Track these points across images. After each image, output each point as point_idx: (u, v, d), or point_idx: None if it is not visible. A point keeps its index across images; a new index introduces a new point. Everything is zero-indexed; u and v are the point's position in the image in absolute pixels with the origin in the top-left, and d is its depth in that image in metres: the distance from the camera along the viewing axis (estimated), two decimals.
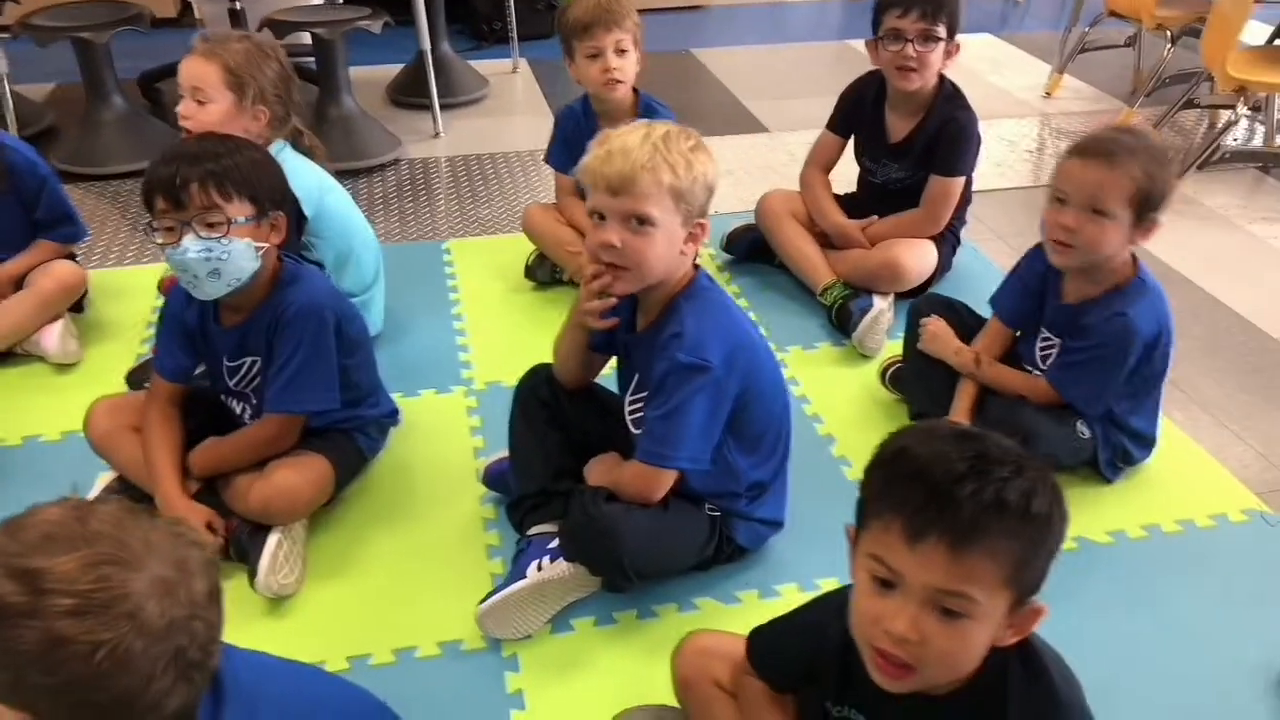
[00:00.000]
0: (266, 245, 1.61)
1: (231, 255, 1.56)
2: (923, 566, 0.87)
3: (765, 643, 1.18)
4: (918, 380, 2.01)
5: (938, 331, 1.94)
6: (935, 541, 0.86)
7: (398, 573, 1.67)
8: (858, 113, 2.48)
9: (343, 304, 1.77)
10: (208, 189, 1.53)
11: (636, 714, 1.35)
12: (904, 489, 0.88)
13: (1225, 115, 3.18)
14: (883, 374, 2.12)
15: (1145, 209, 1.67)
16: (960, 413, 1.88)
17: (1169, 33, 3.50)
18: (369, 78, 3.84)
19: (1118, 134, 1.70)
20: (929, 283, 2.41)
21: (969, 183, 2.44)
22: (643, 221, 1.41)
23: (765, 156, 3.35)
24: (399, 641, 1.53)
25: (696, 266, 1.53)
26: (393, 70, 3.82)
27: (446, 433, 1.99)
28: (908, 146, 2.40)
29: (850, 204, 2.54)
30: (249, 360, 1.71)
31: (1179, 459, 1.95)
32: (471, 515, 1.78)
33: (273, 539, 1.58)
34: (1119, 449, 1.86)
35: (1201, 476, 1.91)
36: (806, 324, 2.38)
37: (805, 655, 1.11)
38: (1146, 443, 1.89)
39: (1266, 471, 1.93)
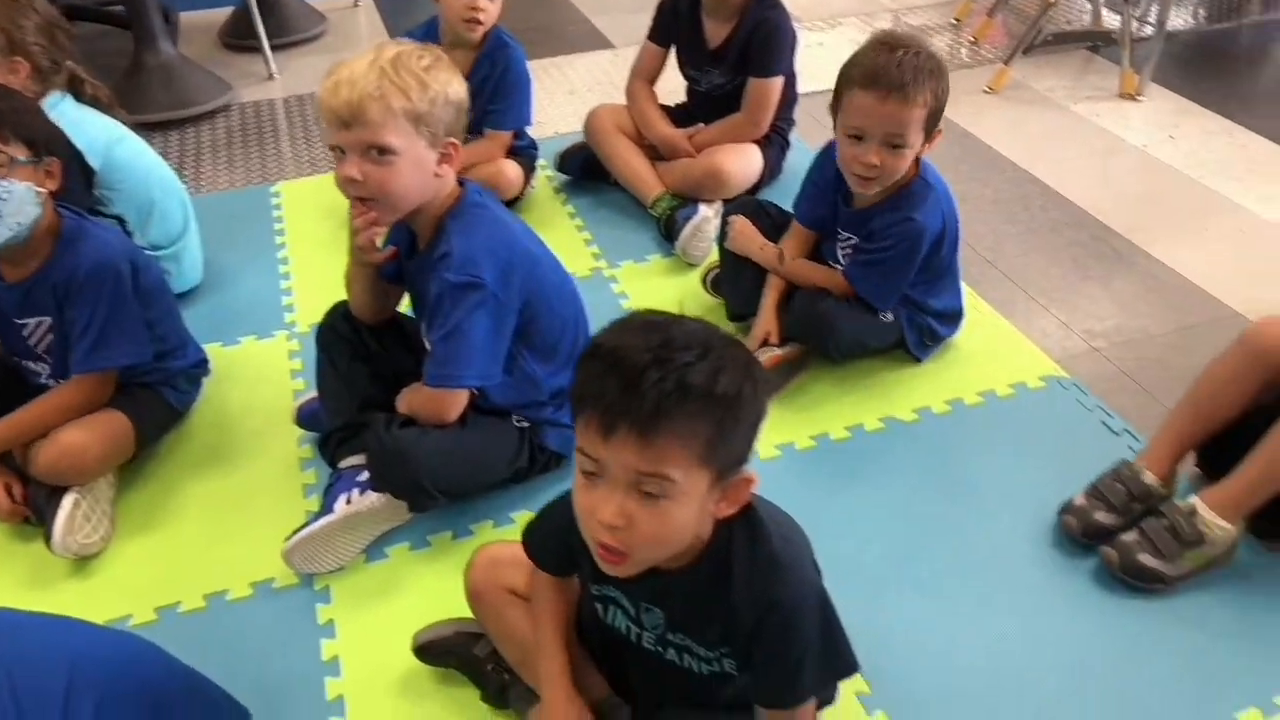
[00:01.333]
0: (45, 192, 1.56)
1: (13, 196, 1.50)
2: (618, 455, 0.89)
3: (534, 534, 1.21)
4: (731, 281, 2.04)
5: (742, 229, 1.97)
6: (625, 432, 0.88)
7: (211, 520, 1.65)
8: (675, 22, 2.46)
9: (136, 254, 1.71)
10: None
11: (436, 628, 1.37)
12: (597, 384, 0.90)
13: None
14: (704, 279, 2.15)
15: (933, 126, 1.70)
16: (768, 308, 1.92)
17: None
18: (201, 22, 3.68)
19: (899, 57, 1.63)
20: (758, 187, 2.43)
21: (791, 83, 2.45)
22: (383, 151, 1.38)
23: (609, 73, 3.30)
24: (210, 587, 1.53)
25: (462, 183, 1.52)
26: (227, 13, 3.65)
27: (267, 378, 1.96)
28: (725, 52, 2.39)
29: (681, 114, 2.54)
30: (36, 321, 1.65)
31: (987, 335, 2.02)
32: (288, 457, 1.77)
33: (68, 500, 1.55)
34: (924, 329, 1.92)
35: (1006, 349, 1.99)
36: (640, 238, 2.38)
37: (564, 541, 1.13)
38: (951, 319, 1.96)
39: (1067, 340, 2.02)
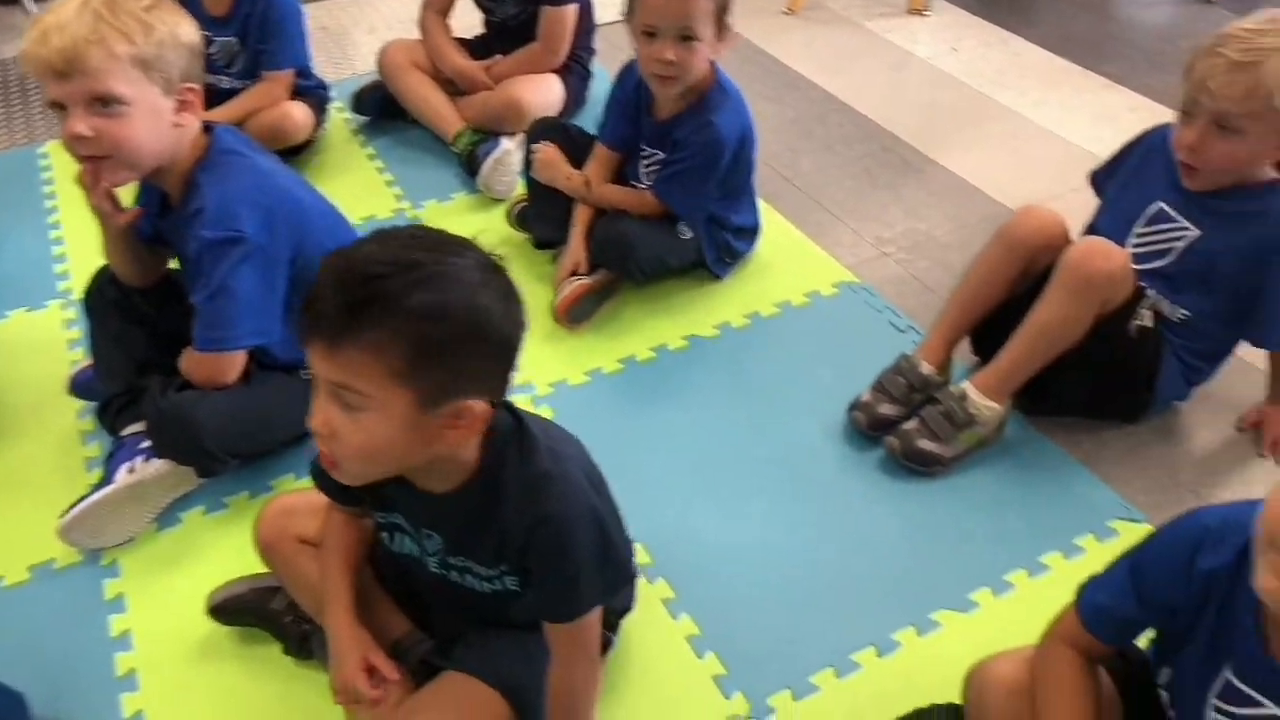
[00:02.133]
0: None
1: None
2: (315, 362, 0.90)
3: (321, 471, 1.17)
4: (538, 211, 2.02)
5: (549, 158, 1.95)
6: (317, 340, 0.88)
7: None
8: None
9: None
10: None
11: (230, 587, 1.34)
12: (312, 290, 0.90)
13: None
14: (509, 213, 2.12)
15: (722, 19, 1.71)
16: (576, 238, 1.92)
17: None
18: None
19: None
20: (561, 117, 2.40)
21: (588, 11, 2.42)
22: (109, 102, 1.28)
23: (411, 10, 3.14)
24: None
25: (209, 130, 1.43)
26: None
27: (41, 351, 1.83)
28: None
29: (479, 46, 2.47)
30: None
31: (783, 248, 2.09)
32: (68, 431, 1.67)
33: None
34: (723, 245, 1.96)
35: (802, 261, 2.06)
36: (443, 175, 2.33)
37: None
38: (748, 236, 2.01)
39: (858, 247, 2.10)
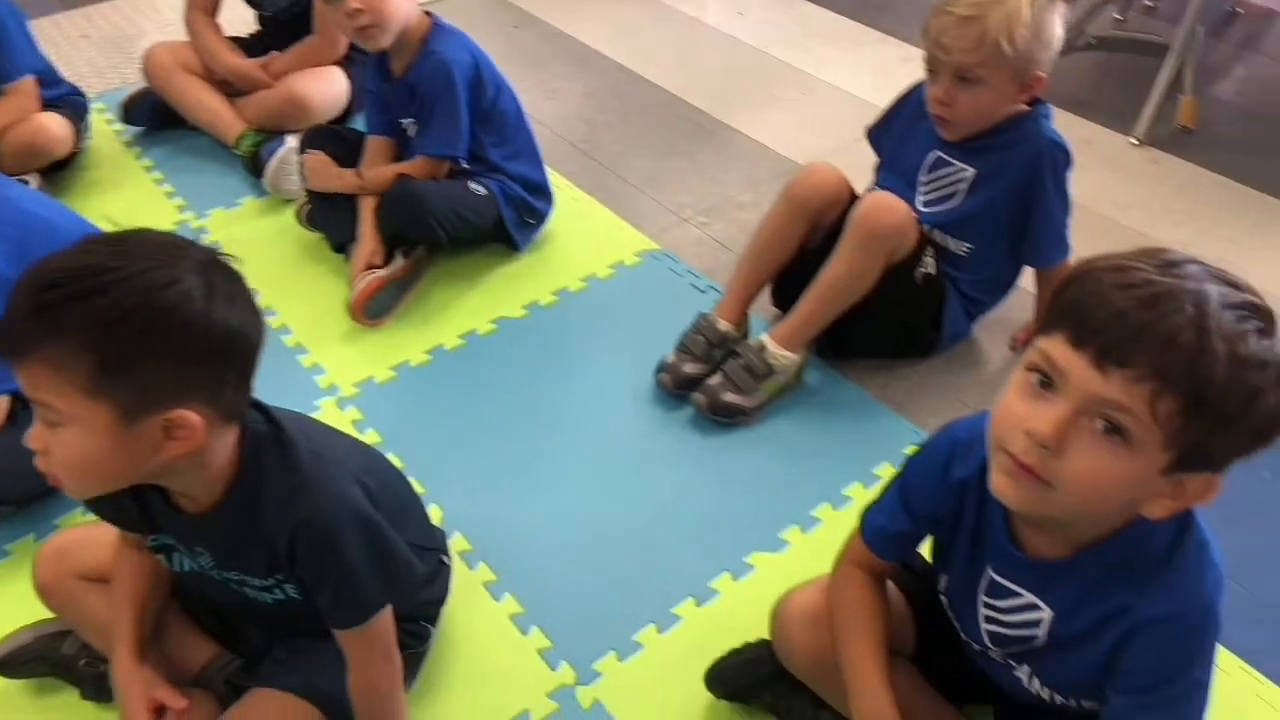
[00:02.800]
0: None
1: None
2: (19, 380, 0.86)
3: (96, 504, 1.10)
4: (324, 215, 1.97)
5: (314, 166, 1.93)
6: (5, 357, 0.85)
7: None
8: None
9: None
10: None
11: (14, 639, 1.24)
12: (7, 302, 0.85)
13: None
14: (298, 214, 2.05)
15: None
16: (366, 232, 1.88)
17: None
18: None
19: None
20: (351, 110, 2.34)
21: None
22: None
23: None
24: None
25: None
26: None
27: None
28: None
29: (255, 44, 2.37)
30: None
31: (587, 223, 2.10)
32: None
33: None
34: (519, 203, 1.95)
35: (605, 234, 2.08)
36: (228, 181, 2.22)
37: (115, 500, 1.04)
38: (541, 192, 2.00)
39: (658, 215, 2.14)
